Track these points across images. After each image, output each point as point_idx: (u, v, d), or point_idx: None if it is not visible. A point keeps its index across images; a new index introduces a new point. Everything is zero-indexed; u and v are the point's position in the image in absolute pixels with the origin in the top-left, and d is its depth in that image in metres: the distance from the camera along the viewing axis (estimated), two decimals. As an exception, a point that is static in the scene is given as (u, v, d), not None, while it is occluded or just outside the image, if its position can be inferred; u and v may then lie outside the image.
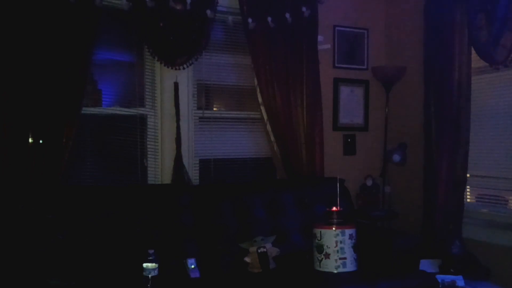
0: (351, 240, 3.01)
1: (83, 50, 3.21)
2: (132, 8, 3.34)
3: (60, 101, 3.15)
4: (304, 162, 3.84)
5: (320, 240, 3.01)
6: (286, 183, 3.80)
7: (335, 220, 3.04)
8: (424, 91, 3.77)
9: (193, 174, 3.72)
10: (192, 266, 2.94)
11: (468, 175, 3.61)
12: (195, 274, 2.92)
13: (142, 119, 3.62)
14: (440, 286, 3.11)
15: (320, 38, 3.96)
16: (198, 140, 3.76)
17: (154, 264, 2.55)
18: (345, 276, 2.95)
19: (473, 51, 3.46)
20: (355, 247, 3.02)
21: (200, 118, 3.78)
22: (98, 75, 3.52)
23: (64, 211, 2.95)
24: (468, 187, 3.69)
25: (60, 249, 2.83)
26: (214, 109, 4.01)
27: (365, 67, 4.33)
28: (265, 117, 3.79)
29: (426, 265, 3.35)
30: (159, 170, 3.63)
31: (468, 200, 3.75)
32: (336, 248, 2.97)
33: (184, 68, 3.54)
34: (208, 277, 2.95)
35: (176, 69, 3.52)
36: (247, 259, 3.09)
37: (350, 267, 2.99)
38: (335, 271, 2.97)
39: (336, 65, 4.22)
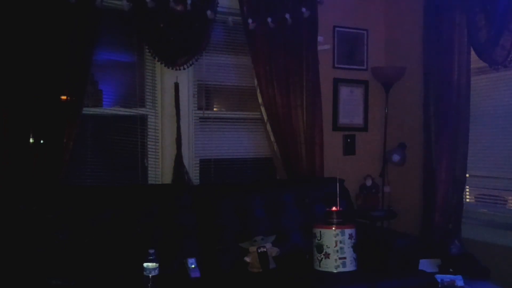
0: (351, 240, 3.02)
1: (83, 50, 3.22)
2: (133, 9, 3.35)
3: (61, 101, 3.15)
4: (304, 162, 3.85)
5: (320, 240, 3.02)
6: (286, 183, 3.81)
7: (334, 220, 3.05)
8: (423, 92, 3.77)
9: (194, 174, 3.72)
10: (193, 266, 2.95)
11: (467, 175, 3.61)
12: (196, 274, 2.93)
13: (143, 119, 3.63)
14: (440, 286, 3.11)
15: (320, 38, 3.96)
16: (199, 140, 3.77)
17: (154, 263, 2.56)
18: (344, 276, 2.96)
19: (472, 52, 3.46)
20: (355, 247, 3.03)
21: (200, 118, 3.79)
22: (99, 76, 3.53)
23: (64, 211, 2.95)
24: (467, 187, 3.70)
25: (60, 249, 2.83)
26: (215, 109, 4.02)
27: (364, 67, 4.33)
28: (265, 117, 3.80)
29: (426, 264, 3.35)
30: (160, 170, 3.64)
31: (468, 200, 3.76)
32: (336, 248, 2.98)
33: (184, 69, 3.55)
34: (208, 277, 2.95)
35: (176, 69, 3.53)
36: (247, 259, 3.09)
37: (349, 266, 3.00)
38: (335, 271, 2.98)
39: (336, 65, 4.23)
